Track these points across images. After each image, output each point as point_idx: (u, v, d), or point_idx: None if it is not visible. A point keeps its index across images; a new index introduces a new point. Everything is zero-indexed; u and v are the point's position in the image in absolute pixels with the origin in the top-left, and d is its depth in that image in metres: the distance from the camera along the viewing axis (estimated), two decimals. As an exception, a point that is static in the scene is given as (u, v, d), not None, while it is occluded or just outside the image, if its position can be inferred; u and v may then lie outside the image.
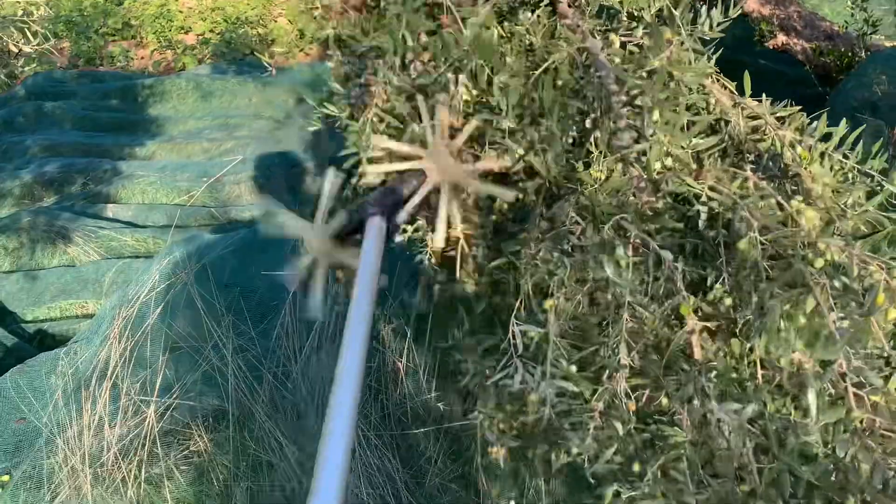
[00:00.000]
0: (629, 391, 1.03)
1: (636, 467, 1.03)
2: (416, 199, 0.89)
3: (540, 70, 1.12)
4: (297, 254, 0.85)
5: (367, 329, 0.70)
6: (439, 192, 0.90)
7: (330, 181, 0.84)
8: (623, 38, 1.18)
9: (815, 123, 1.19)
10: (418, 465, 2.29)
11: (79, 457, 2.29)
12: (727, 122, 1.22)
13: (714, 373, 1.02)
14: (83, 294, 3.44)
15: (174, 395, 2.47)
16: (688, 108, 1.17)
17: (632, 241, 1.00)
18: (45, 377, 2.46)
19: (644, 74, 1.08)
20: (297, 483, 2.17)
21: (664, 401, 1.06)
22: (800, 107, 1.21)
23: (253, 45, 7.66)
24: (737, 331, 1.02)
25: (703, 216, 1.05)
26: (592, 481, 1.05)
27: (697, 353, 1.03)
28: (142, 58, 7.94)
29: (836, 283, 0.94)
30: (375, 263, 0.79)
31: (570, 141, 1.12)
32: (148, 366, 2.45)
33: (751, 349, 0.99)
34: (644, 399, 1.06)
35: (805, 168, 1.16)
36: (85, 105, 6.05)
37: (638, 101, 1.08)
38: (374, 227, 0.84)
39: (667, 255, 0.99)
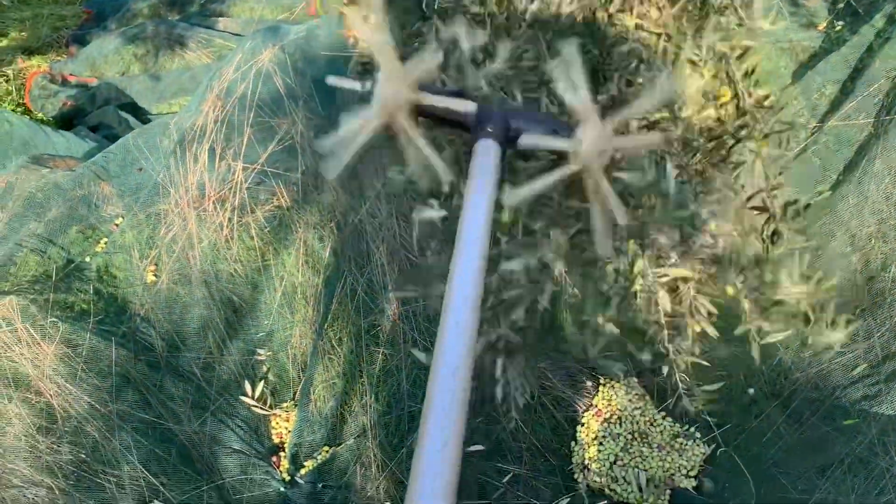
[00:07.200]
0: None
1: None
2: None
3: None
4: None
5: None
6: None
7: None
8: None
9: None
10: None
11: (185, 201, 2.84)
12: None
13: None
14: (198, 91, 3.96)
15: (261, 160, 2.93)
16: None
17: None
18: (158, 139, 2.99)
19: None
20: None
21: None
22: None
23: None
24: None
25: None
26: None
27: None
28: None
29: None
30: (492, 188, 0.79)
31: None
32: (237, 133, 2.90)
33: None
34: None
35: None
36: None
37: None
38: (490, 149, 0.84)
39: None
